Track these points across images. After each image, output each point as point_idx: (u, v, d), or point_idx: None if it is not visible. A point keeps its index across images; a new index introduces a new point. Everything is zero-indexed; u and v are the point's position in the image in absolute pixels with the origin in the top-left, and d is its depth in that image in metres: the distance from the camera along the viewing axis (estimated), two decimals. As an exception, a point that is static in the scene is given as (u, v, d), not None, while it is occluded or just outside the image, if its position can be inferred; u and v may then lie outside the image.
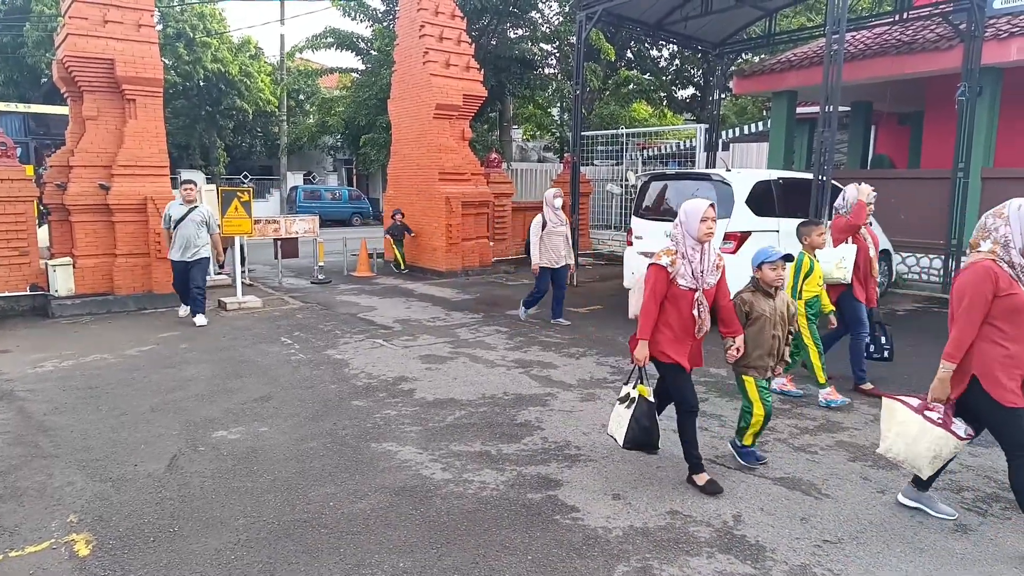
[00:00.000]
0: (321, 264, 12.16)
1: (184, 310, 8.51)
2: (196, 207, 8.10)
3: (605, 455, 4.34)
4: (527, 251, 8.30)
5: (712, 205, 3.73)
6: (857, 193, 5.68)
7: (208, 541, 3.29)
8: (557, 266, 8.19)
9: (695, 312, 3.71)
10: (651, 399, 3.87)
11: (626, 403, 3.88)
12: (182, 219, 7.99)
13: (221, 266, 10.64)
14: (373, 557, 3.15)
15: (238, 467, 4.14)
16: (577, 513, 3.58)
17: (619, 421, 3.90)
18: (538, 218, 8.17)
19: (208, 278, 10.99)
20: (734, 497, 3.76)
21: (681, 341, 3.79)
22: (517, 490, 3.84)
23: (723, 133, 18.98)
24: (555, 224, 8.11)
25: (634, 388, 3.88)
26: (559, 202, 8.17)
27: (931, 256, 11.37)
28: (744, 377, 4.06)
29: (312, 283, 11.65)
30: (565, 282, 8.42)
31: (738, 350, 3.93)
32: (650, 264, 3.79)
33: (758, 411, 4.04)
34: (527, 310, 8.56)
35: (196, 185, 8.30)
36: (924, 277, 11.48)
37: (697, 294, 3.70)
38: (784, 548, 3.24)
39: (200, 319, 8.16)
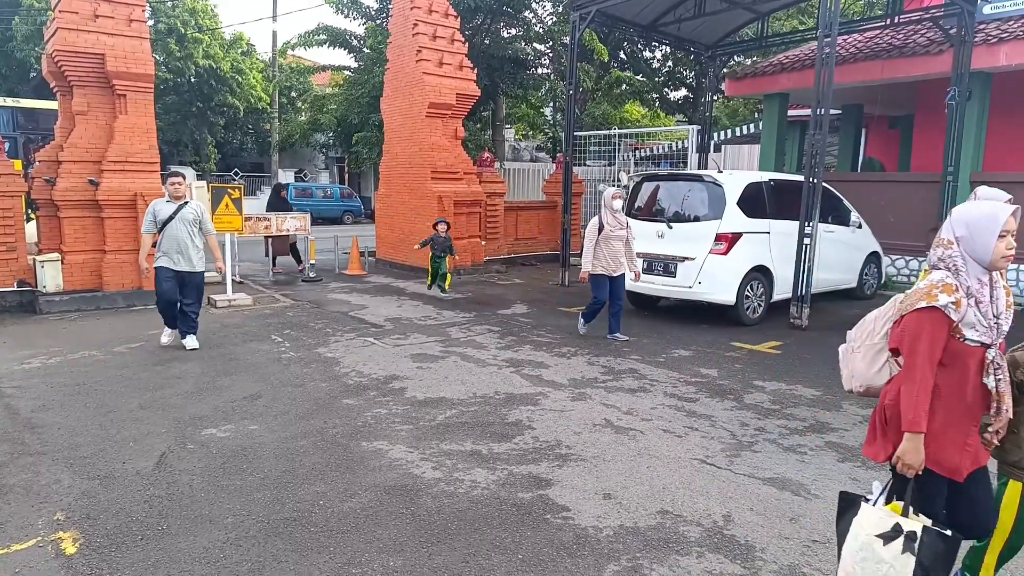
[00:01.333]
0: (312, 262, 12.12)
1: (168, 336, 6.95)
2: (187, 203, 6.79)
3: (596, 454, 4.34)
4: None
5: (1015, 213, 2.35)
6: None
7: (197, 539, 3.26)
8: (615, 274, 7.43)
9: (988, 381, 2.36)
10: (945, 529, 2.33)
11: (896, 540, 2.32)
12: (170, 218, 6.66)
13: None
14: (363, 556, 3.14)
15: (227, 465, 4.12)
16: (568, 512, 3.58)
17: (883, 573, 2.33)
18: (594, 221, 7.43)
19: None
20: (724, 497, 3.77)
21: (961, 429, 2.40)
22: (508, 489, 3.84)
23: (715, 135, 19.07)
24: (613, 228, 7.33)
25: (904, 514, 2.38)
26: (618, 204, 7.39)
27: (920, 259, 11.46)
28: (1011, 481, 2.58)
29: (303, 281, 11.61)
30: (623, 292, 7.63)
31: (998, 433, 2.48)
32: (917, 308, 2.35)
33: (1003, 526, 2.60)
34: (586, 323, 7.69)
35: (185, 179, 7.02)
36: (913, 280, 11.55)
37: (991, 352, 2.36)
38: (774, 548, 3.26)
39: (191, 341, 6.83)
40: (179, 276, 6.70)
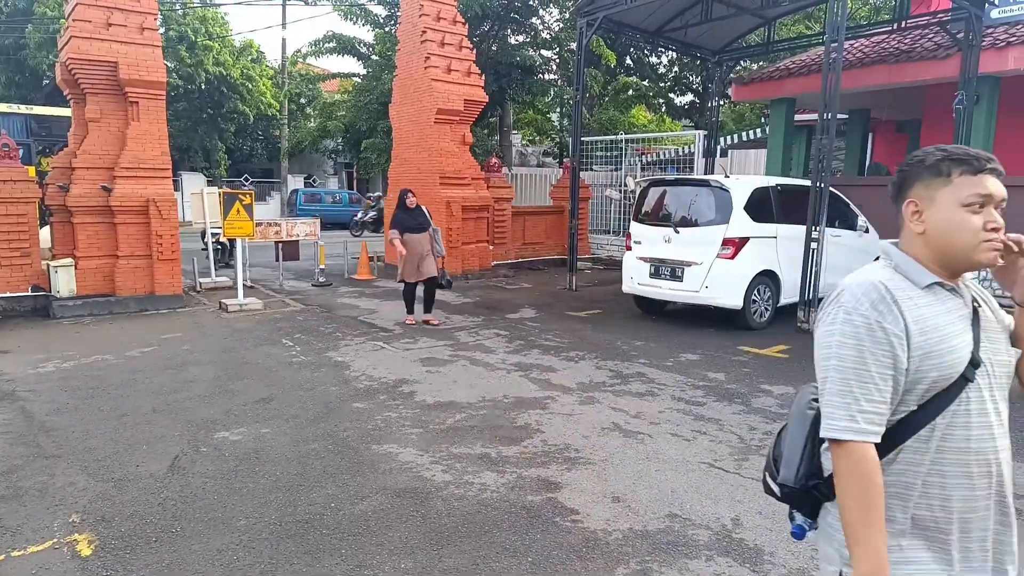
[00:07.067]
0: (322, 267, 12.19)
1: None
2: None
3: (604, 458, 4.36)
4: None
5: None
6: None
7: (210, 542, 3.31)
8: None
9: None
10: None
11: None
12: None
13: None
14: (374, 558, 3.17)
15: (240, 468, 4.16)
16: (577, 515, 3.60)
17: None
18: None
19: (209, 279, 11.09)
20: (733, 500, 3.79)
21: None
22: (517, 492, 3.87)
23: (721, 139, 19.05)
24: None
25: None
26: None
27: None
28: None
29: (313, 285, 11.68)
30: None
31: None
32: None
33: None
34: None
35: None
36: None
37: None
38: (783, 552, 3.27)
39: None
40: None
